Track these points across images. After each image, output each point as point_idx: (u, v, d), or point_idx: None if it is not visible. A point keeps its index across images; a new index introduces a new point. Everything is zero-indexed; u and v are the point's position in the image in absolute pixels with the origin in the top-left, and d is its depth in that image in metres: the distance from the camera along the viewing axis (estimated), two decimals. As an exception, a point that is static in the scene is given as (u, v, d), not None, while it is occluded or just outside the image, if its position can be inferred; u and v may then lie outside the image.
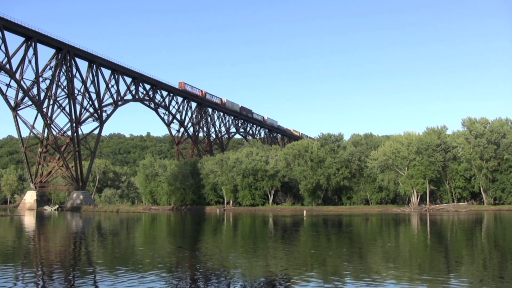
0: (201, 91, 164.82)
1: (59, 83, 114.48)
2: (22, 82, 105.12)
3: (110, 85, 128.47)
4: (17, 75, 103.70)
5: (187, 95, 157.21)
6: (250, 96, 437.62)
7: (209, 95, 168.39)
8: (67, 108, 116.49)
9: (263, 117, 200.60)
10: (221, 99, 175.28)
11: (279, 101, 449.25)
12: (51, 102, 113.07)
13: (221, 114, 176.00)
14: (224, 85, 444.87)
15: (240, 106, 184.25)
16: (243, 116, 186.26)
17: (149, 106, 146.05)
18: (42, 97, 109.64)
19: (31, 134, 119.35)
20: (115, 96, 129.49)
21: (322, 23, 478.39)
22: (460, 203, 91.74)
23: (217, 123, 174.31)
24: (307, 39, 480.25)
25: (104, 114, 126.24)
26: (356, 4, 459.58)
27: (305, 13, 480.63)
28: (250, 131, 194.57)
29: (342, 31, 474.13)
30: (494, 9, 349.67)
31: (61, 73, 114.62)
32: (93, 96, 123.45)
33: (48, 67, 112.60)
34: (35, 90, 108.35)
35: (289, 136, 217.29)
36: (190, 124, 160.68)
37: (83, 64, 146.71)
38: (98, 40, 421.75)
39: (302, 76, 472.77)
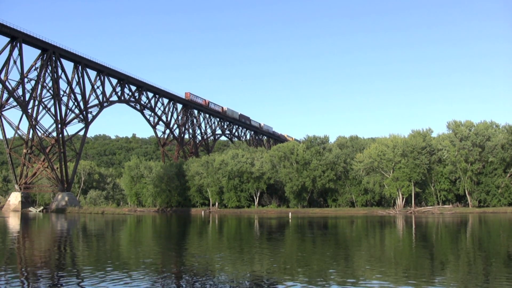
0: (205, 100, 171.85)
1: (44, 84, 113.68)
2: (7, 83, 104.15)
3: (95, 86, 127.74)
4: (2, 76, 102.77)
5: (173, 97, 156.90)
6: (238, 99, 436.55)
7: (211, 103, 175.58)
8: (52, 109, 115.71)
9: (259, 123, 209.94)
10: (222, 108, 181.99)
11: (272, 105, 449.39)
12: (36, 103, 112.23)
13: (207, 115, 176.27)
14: (222, 88, 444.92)
15: (239, 114, 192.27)
16: (242, 123, 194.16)
17: (134, 108, 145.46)
18: (27, 98, 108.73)
19: (16, 135, 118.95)
20: (100, 97, 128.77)
21: (310, 25, 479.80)
22: (445, 206, 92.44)
23: (202, 125, 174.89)
24: (295, 42, 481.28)
25: (90, 115, 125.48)
26: (350, 6, 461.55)
27: (295, 15, 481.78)
28: (236, 133, 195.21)
29: (330, 33, 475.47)
30: (493, 10, 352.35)
31: (47, 74, 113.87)
32: (79, 97, 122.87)
33: (34, 67, 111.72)
34: (20, 91, 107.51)
35: (275, 139, 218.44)
36: (175, 125, 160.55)
37: (68, 65, 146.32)
38: (86, 41, 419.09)
39: (290, 79, 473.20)
